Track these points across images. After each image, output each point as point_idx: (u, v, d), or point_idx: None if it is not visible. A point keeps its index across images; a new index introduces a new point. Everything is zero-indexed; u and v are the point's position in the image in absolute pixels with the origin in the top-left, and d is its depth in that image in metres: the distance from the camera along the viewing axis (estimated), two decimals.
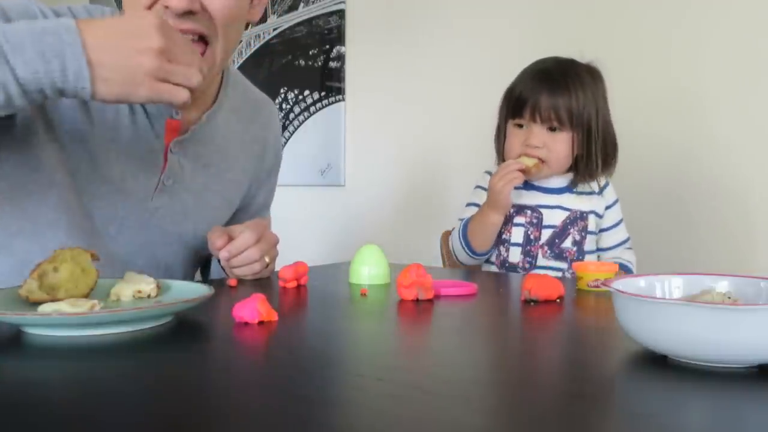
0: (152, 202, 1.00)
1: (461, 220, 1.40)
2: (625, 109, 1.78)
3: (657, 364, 0.54)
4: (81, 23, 0.72)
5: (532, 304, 0.84)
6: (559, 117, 1.29)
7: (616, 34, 1.83)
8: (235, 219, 1.18)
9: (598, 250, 1.39)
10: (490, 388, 0.51)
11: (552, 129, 1.31)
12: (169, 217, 1.03)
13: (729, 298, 0.60)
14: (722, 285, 0.63)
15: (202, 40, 0.90)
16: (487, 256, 1.38)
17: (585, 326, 0.77)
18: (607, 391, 0.50)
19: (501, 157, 1.39)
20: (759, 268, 1.62)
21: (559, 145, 1.31)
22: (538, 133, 1.30)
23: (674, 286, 0.65)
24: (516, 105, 1.32)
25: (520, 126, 1.33)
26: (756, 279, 0.62)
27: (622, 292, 0.56)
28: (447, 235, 1.62)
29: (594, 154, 1.33)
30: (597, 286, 0.95)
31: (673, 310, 0.52)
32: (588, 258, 1.34)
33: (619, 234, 1.39)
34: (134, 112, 0.96)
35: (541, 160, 1.31)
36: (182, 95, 0.76)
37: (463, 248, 1.36)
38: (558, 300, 0.86)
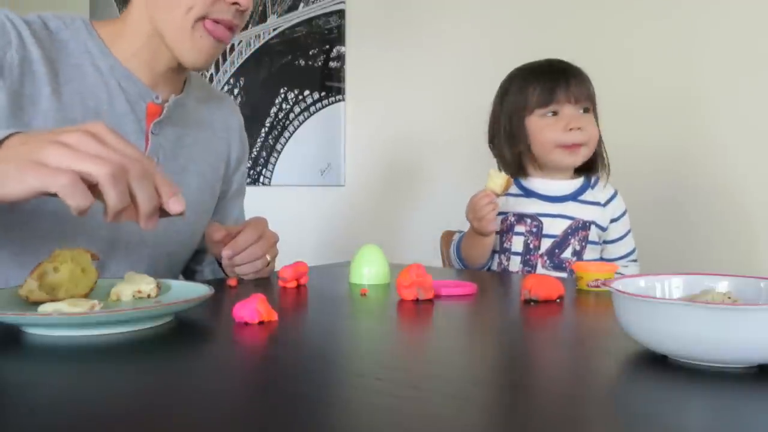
0: None
1: (460, 233, 1.39)
2: (623, 112, 1.78)
3: (657, 364, 0.54)
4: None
5: (532, 304, 0.84)
6: (590, 97, 1.31)
7: (614, 36, 1.83)
8: (215, 211, 1.19)
9: (602, 260, 1.37)
10: (490, 388, 0.51)
11: (586, 110, 1.31)
12: None
13: (729, 298, 0.60)
14: (722, 285, 0.63)
15: (230, 29, 0.98)
16: (485, 267, 1.37)
17: (585, 326, 0.77)
18: (607, 391, 0.50)
19: (518, 158, 1.35)
20: (758, 269, 1.63)
21: (593, 127, 1.31)
22: (576, 115, 1.29)
23: (674, 286, 0.65)
24: (545, 91, 1.29)
25: (553, 113, 1.30)
26: (756, 279, 0.62)
27: (622, 292, 0.56)
28: (447, 235, 1.62)
29: (602, 145, 1.35)
30: (597, 286, 0.95)
31: (673, 310, 0.52)
32: None
33: (625, 246, 1.38)
34: (112, 97, 0.99)
35: (580, 144, 1.29)
36: (58, 180, 0.60)
37: (457, 262, 1.38)
38: (558, 300, 0.86)
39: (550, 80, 1.30)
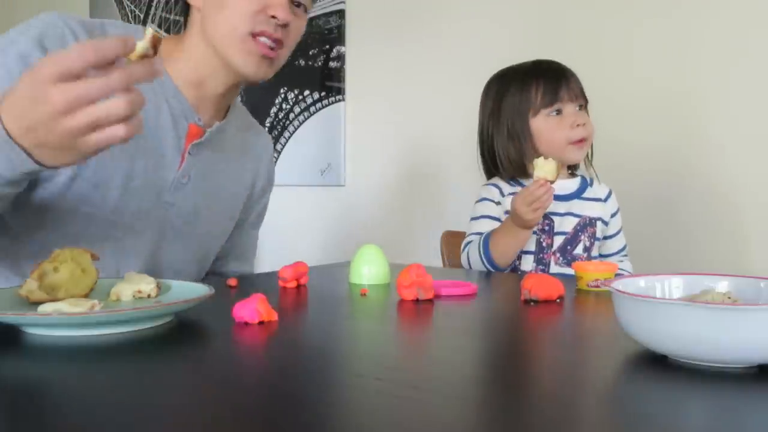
0: (167, 196, 1.03)
1: (477, 234, 1.34)
2: (619, 112, 1.78)
3: (657, 364, 0.54)
4: (3, 111, 0.69)
5: (532, 304, 0.84)
6: (583, 93, 1.34)
7: (610, 38, 1.83)
8: (230, 236, 1.21)
9: (600, 257, 1.39)
10: (490, 387, 0.51)
11: (581, 107, 1.34)
12: (182, 216, 1.06)
13: (729, 298, 0.60)
14: (722, 285, 0.63)
15: (278, 43, 1.00)
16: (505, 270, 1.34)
17: (585, 326, 0.77)
18: (607, 390, 0.50)
19: (523, 158, 1.36)
20: (751, 269, 1.63)
21: (590, 122, 1.35)
22: (579, 112, 1.33)
23: (674, 286, 0.65)
24: (549, 90, 1.32)
25: (559, 112, 1.32)
26: (756, 279, 0.62)
27: (622, 292, 0.56)
28: (447, 235, 1.62)
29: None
30: (597, 286, 0.95)
31: (673, 310, 0.52)
32: None
33: (619, 242, 1.41)
34: (159, 111, 1.01)
35: (583, 139, 1.31)
36: (119, 132, 0.68)
37: (484, 263, 1.30)
38: (558, 300, 0.86)
39: (553, 79, 1.32)
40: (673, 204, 1.75)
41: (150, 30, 0.69)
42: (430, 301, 0.86)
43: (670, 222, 1.75)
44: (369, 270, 1.02)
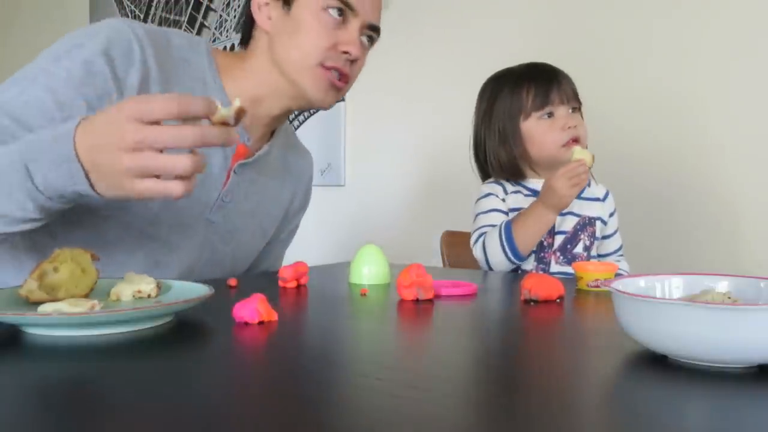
0: (210, 215, 1.04)
1: (489, 226, 1.33)
2: (618, 114, 1.78)
3: (657, 364, 0.54)
4: (80, 128, 0.73)
5: (532, 304, 0.84)
6: (576, 95, 1.34)
7: (610, 39, 1.83)
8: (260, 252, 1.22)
9: (598, 256, 1.40)
10: (490, 387, 0.51)
11: (574, 109, 1.34)
12: (220, 234, 1.07)
13: (729, 298, 0.60)
14: (722, 285, 0.63)
15: (344, 77, 1.03)
16: (524, 262, 1.32)
17: (585, 326, 0.77)
18: (607, 390, 0.50)
19: (514, 161, 1.36)
20: (752, 269, 1.63)
21: (584, 125, 1.35)
22: (571, 114, 1.33)
23: (674, 286, 0.65)
24: (540, 93, 1.32)
25: (550, 115, 1.33)
26: (756, 279, 0.62)
27: (622, 292, 0.56)
28: (447, 235, 1.62)
29: None
30: (597, 286, 0.95)
31: (673, 310, 0.52)
32: None
33: (616, 242, 1.42)
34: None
35: (575, 140, 1.31)
36: (175, 191, 0.71)
37: (506, 253, 1.27)
38: (558, 300, 0.86)
39: (544, 83, 1.33)
40: (672, 204, 1.75)
41: (238, 102, 0.72)
42: (430, 301, 0.86)
43: (670, 222, 1.75)
44: (369, 270, 1.02)
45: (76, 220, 0.93)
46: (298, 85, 1.02)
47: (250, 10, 1.04)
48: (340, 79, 1.02)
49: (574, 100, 1.34)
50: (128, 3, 2.91)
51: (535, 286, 0.85)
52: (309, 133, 2.47)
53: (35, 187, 0.75)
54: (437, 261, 1.61)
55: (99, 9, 3.01)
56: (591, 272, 0.96)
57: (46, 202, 0.76)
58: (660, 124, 1.77)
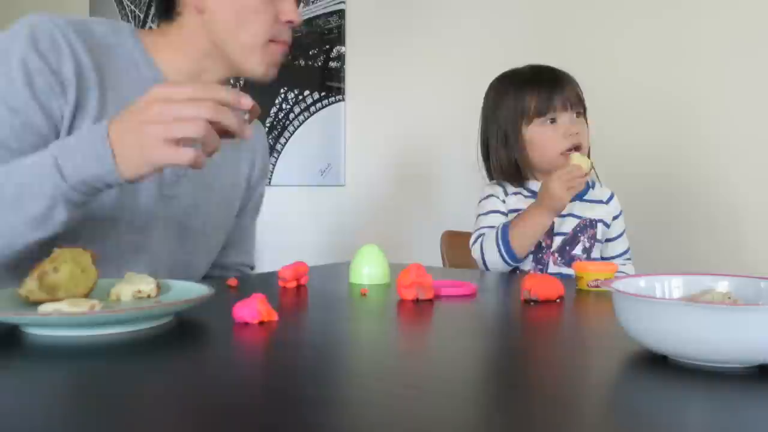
0: (167, 190, 1.04)
1: (488, 227, 1.33)
2: (618, 113, 1.78)
3: (657, 364, 0.54)
4: (113, 120, 0.80)
5: (532, 304, 0.84)
6: (581, 100, 1.33)
7: (609, 40, 1.83)
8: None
9: (602, 259, 1.39)
10: (490, 387, 0.51)
11: (578, 114, 1.33)
12: (182, 209, 1.07)
13: (729, 298, 0.60)
14: (722, 285, 0.63)
15: (288, 48, 1.07)
16: (520, 263, 1.33)
17: (585, 326, 0.77)
18: (607, 390, 0.50)
19: (515, 165, 1.37)
20: (752, 269, 1.63)
21: (586, 131, 1.34)
22: (575, 120, 1.32)
23: (674, 286, 0.65)
24: (542, 99, 1.32)
25: (553, 121, 1.33)
26: (756, 279, 0.62)
27: (622, 292, 0.56)
28: (447, 235, 1.62)
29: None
30: (597, 286, 0.95)
31: (673, 310, 0.52)
32: None
33: (622, 244, 1.41)
34: None
35: (578, 147, 1.31)
36: (183, 156, 0.77)
37: (502, 254, 1.28)
38: (558, 300, 0.86)
39: (547, 88, 1.32)
40: (673, 205, 1.75)
41: (249, 101, 0.81)
42: (430, 301, 0.86)
43: (670, 222, 1.75)
44: (369, 270, 1.02)
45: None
46: (244, 64, 1.04)
47: None
48: (283, 51, 1.06)
49: (578, 105, 1.33)
50: (128, 3, 2.91)
51: (535, 286, 0.85)
52: (309, 133, 2.47)
53: (61, 176, 0.78)
54: (437, 261, 1.61)
55: (99, 9, 3.01)
56: (591, 272, 0.96)
57: (69, 192, 0.79)
58: (660, 124, 1.77)
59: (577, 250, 1.35)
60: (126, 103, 0.98)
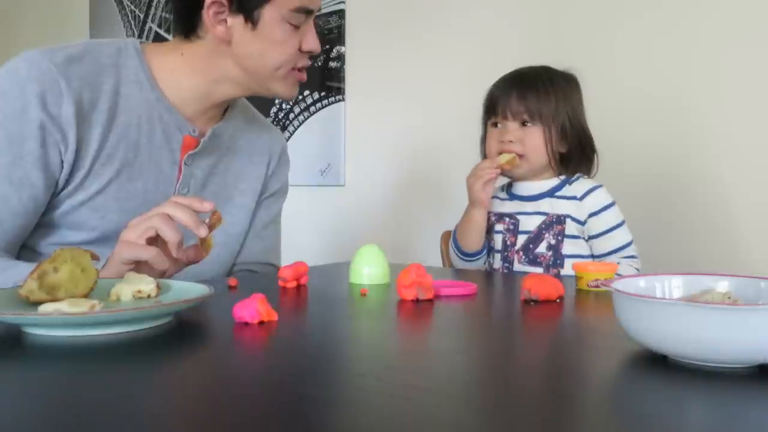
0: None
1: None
2: (618, 115, 1.79)
3: (657, 364, 0.54)
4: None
5: (532, 304, 0.84)
6: (529, 111, 1.35)
7: (610, 41, 1.83)
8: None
9: (594, 257, 1.35)
10: (490, 387, 0.51)
11: (524, 123, 1.36)
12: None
13: (729, 298, 0.60)
14: (722, 285, 0.63)
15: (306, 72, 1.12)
16: (477, 258, 1.40)
17: (585, 326, 0.77)
18: (607, 390, 0.50)
19: (483, 157, 1.45)
20: (752, 269, 1.63)
21: (533, 139, 1.35)
22: (511, 129, 1.36)
23: (674, 286, 0.65)
24: (490, 105, 1.40)
25: (495, 125, 1.39)
26: (756, 279, 0.62)
27: (622, 292, 0.56)
28: (447, 235, 1.62)
29: (570, 150, 1.37)
30: (597, 286, 0.95)
31: (673, 310, 0.52)
32: (570, 263, 1.28)
33: (611, 241, 1.34)
34: (152, 129, 1.06)
35: (519, 155, 1.35)
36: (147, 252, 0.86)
37: (454, 250, 1.42)
38: (558, 300, 0.86)
39: (497, 93, 1.38)
40: (672, 204, 1.75)
41: (219, 215, 0.92)
42: (430, 301, 0.86)
43: (670, 222, 1.75)
44: (369, 270, 1.02)
45: (44, 239, 1.02)
46: (268, 90, 1.10)
47: (190, 5, 1.04)
48: (302, 71, 1.11)
49: (523, 114, 1.35)
50: (128, 3, 2.91)
51: (535, 286, 0.85)
52: (309, 133, 2.47)
53: None
54: (437, 261, 1.61)
55: (99, 9, 3.02)
56: (591, 272, 0.96)
57: None
58: (659, 124, 1.77)
59: (542, 248, 1.33)
60: (130, 127, 1.04)
